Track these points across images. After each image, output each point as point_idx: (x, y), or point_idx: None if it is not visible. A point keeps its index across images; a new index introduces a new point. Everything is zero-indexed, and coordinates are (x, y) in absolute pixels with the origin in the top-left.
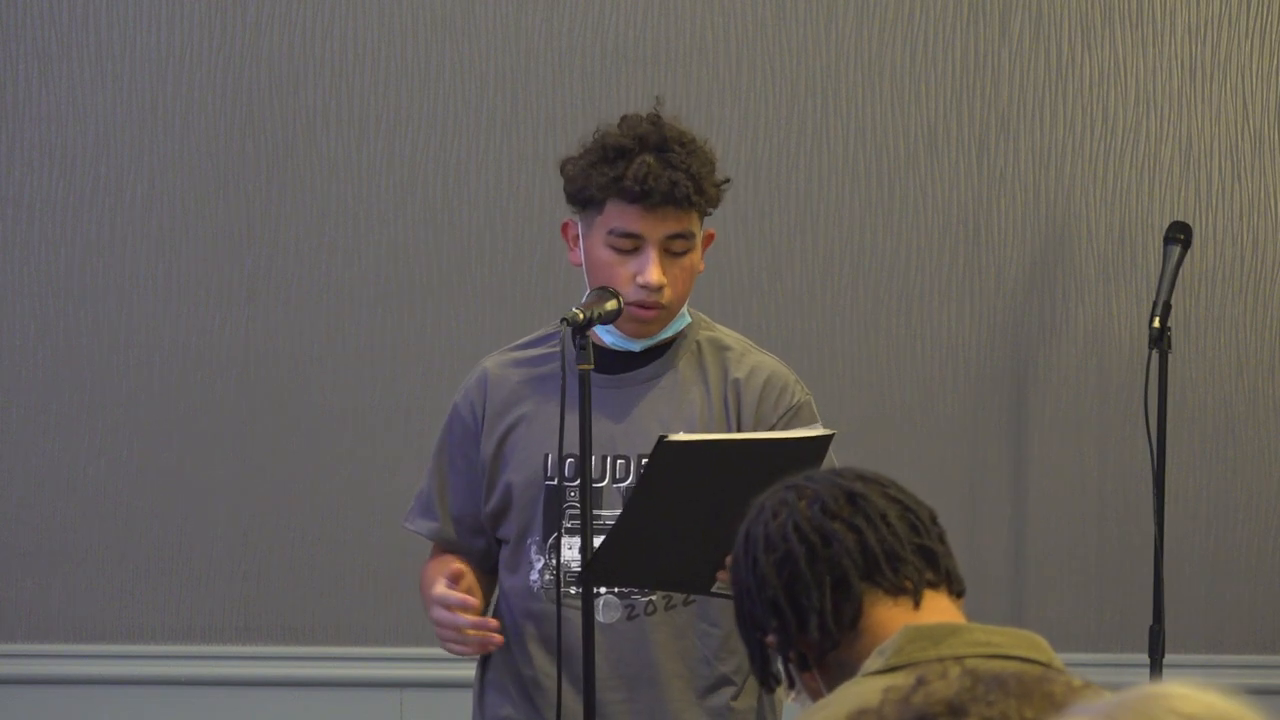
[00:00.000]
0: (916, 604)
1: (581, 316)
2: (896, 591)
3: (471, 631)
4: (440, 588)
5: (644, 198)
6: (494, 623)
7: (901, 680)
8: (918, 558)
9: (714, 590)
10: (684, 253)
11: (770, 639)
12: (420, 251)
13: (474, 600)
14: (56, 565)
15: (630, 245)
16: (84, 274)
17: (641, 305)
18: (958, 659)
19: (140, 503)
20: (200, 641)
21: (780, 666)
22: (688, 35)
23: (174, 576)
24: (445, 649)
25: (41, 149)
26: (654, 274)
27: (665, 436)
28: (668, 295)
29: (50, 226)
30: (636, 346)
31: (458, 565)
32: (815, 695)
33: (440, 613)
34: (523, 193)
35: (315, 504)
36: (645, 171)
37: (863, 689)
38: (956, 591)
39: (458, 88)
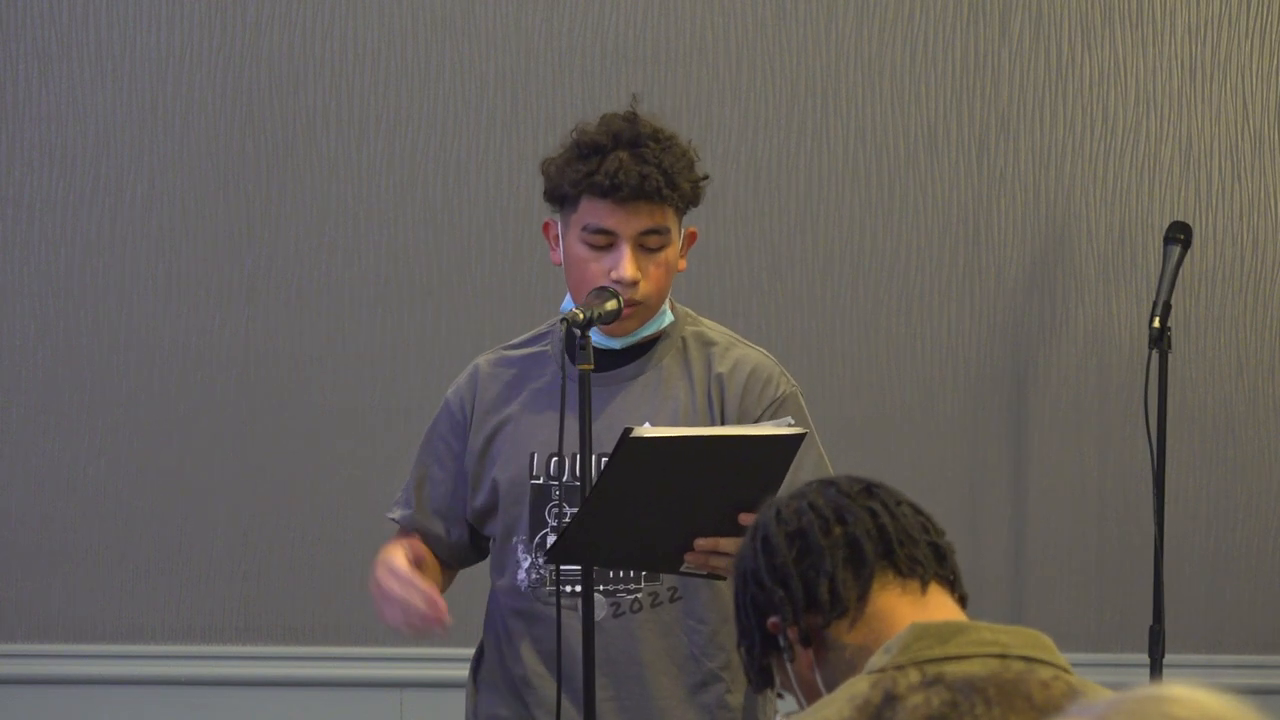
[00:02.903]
0: (924, 591)
1: (582, 316)
2: (907, 574)
3: (421, 605)
4: (403, 562)
5: (614, 192)
6: (444, 605)
7: (866, 691)
8: (929, 550)
9: (682, 570)
10: (659, 249)
11: (773, 621)
12: (420, 251)
13: (434, 589)
14: (56, 565)
15: (603, 241)
16: (84, 274)
17: None
18: (917, 664)
19: (140, 503)
20: (200, 641)
21: (774, 661)
22: (688, 35)
23: (174, 576)
24: (381, 616)
25: (41, 149)
26: (627, 269)
27: (630, 430)
28: (643, 291)
29: (50, 226)
30: (617, 344)
31: (421, 548)
32: (807, 685)
33: (392, 582)
34: (523, 193)
35: (315, 504)
36: (616, 166)
37: (853, 690)
38: (959, 596)
39: (458, 88)
